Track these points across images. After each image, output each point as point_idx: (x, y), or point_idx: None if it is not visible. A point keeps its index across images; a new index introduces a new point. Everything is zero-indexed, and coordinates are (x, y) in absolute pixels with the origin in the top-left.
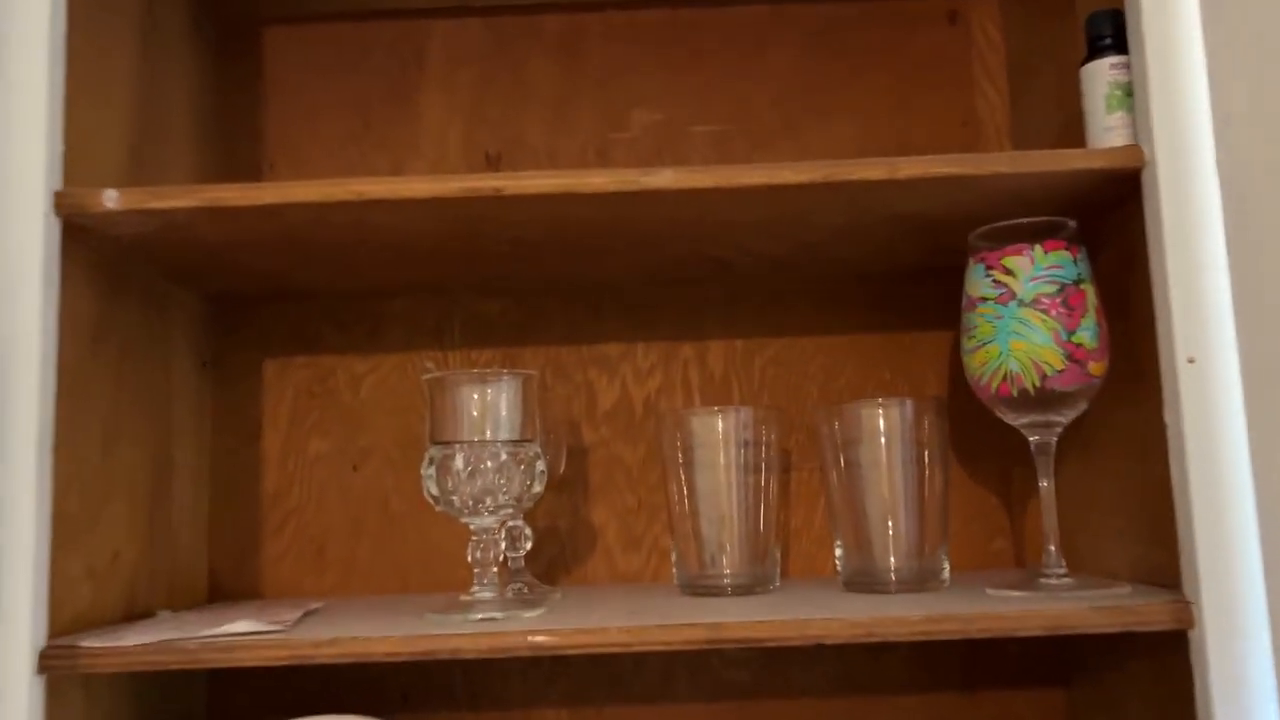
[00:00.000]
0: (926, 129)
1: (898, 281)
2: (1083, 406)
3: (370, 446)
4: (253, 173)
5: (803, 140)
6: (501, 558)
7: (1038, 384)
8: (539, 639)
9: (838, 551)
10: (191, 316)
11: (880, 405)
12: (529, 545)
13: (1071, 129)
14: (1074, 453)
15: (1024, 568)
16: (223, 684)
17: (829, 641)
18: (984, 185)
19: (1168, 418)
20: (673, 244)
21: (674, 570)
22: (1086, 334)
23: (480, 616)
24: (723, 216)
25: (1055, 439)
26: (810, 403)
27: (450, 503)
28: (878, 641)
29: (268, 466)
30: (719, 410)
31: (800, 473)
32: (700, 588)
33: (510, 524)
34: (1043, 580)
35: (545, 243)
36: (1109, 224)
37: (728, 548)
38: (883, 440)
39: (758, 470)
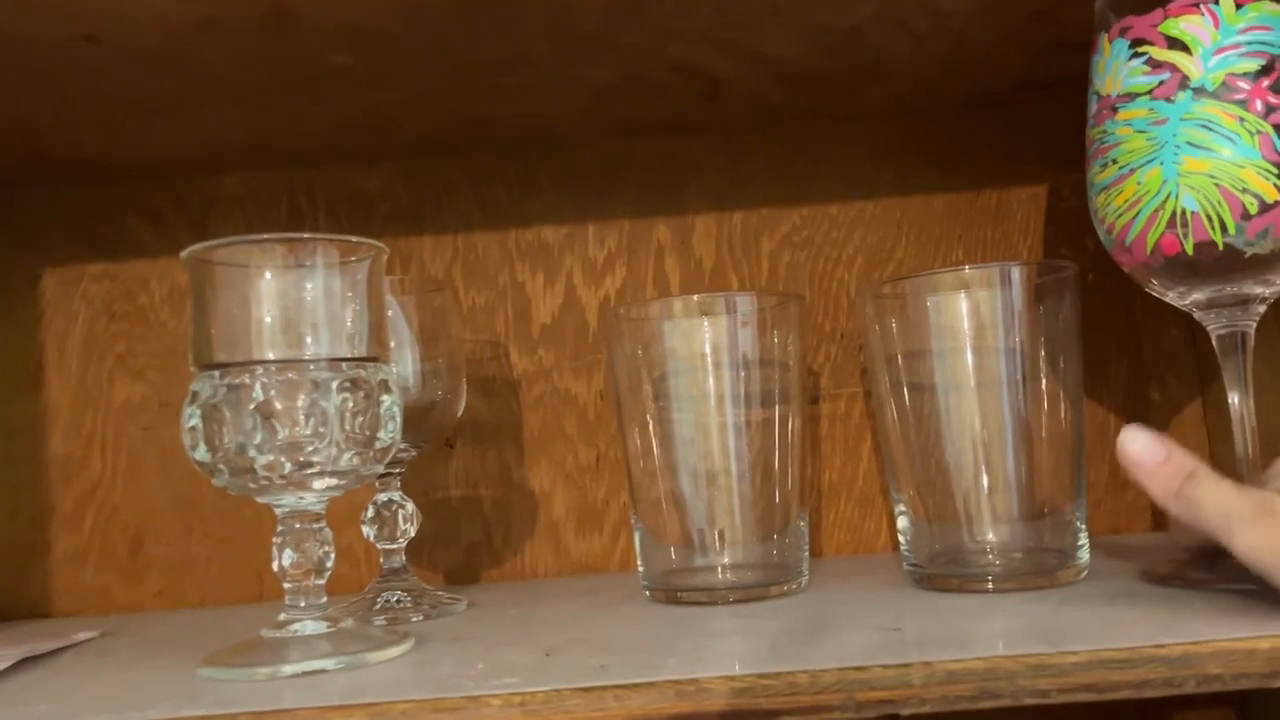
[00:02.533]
0: None
1: (975, 108)
2: None
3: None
4: None
5: None
6: (317, 569)
7: (1234, 231)
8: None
9: (901, 521)
10: None
11: (968, 274)
12: (412, 530)
13: None
14: (1265, 348)
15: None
16: None
17: (907, 710)
18: None
19: None
20: (620, 40)
21: (638, 561)
22: None
23: (293, 670)
24: None
25: (1253, 326)
26: (849, 299)
27: (236, 468)
28: (1008, 706)
29: (54, 424)
30: (703, 300)
31: (835, 403)
32: (680, 589)
33: (382, 497)
34: None
35: (410, 51)
36: None
37: (724, 521)
38: (969, 331)
39: (770, 400)
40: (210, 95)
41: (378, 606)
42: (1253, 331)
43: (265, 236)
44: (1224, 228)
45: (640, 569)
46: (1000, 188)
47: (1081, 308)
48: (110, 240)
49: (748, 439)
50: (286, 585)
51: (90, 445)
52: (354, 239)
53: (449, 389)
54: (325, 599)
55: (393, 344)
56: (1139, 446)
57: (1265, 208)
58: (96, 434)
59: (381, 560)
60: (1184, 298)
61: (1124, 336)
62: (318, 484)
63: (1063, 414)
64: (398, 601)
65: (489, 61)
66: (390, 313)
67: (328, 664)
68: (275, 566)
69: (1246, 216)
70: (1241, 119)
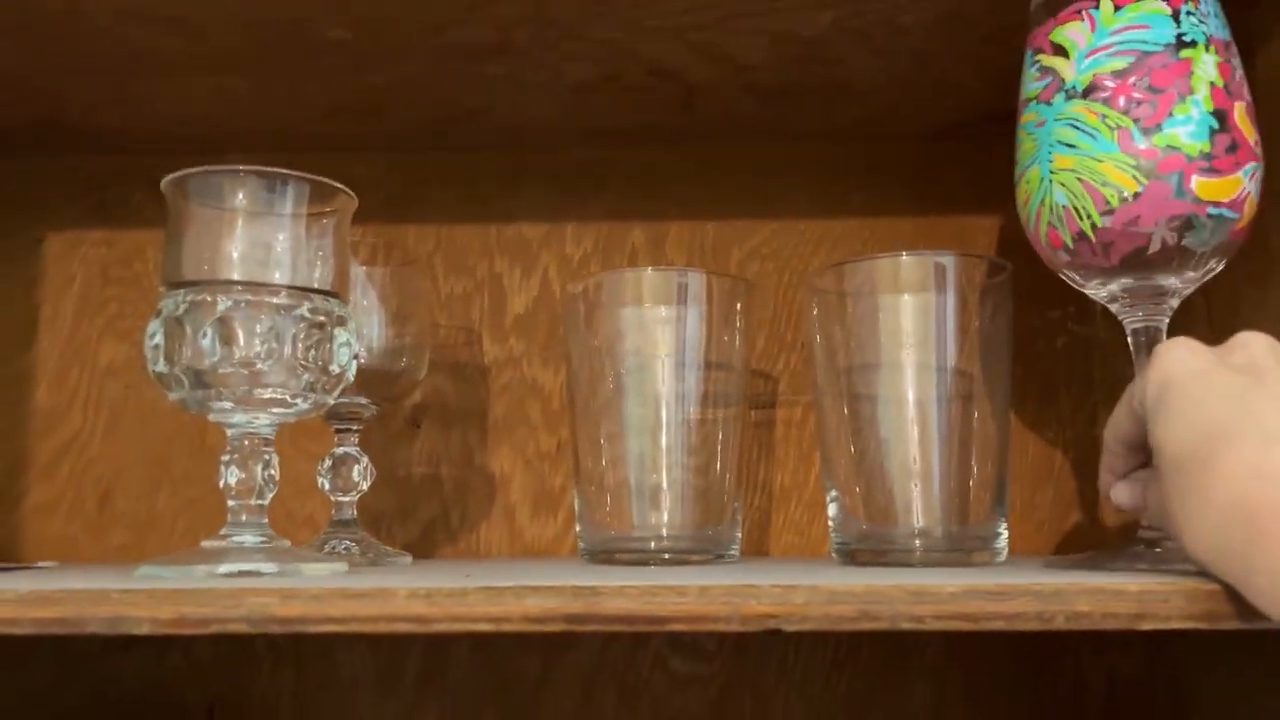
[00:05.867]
0: None
1: (945, 137)
2: (1208, 264)
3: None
4: None
5: None
6: (260, 491)
7: (1098, 222)
8: (285, 610)
9: (831, 508)
10: None
11: (907, 261)
12: (365, 484)
13: None
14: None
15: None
16: None
17: (789, 626)
18: None
19: None
20: (596, 33)
21: (578, 528)
22: (1185, 129)
23: (228, 569)
24: None
25: (1166, 321)
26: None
27: (196, 379)
28: (884, 630)
29: (40, 378)
30: (657, 274)
31: (791, 409)
32: (616, 553)
33: (339, 451)
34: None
35: (402, 29)
36: None
37: (665, 499)
38: (904, 324)
39: (714, 400)
40: (208, 61)
41: (325, 551)
42: (1165, 327)
43: (241, 168)
44: (1089, 220)
45: (579, 537)
46: (965, 215)
47: (1016, 314)
48: (115, 208)
49: (690, 412)
50: (230, 502)
51: (73, 400)
52: (325, 180)
53: (413, 359)
54: (266, 520)
55: (366, 311)
56: (1124, 498)
57: (1129, 198)
58: (80, 390)
59: (333, 512)
60: (1097, 290)
61: (1076, 367)
62: (269, 405)
63: (997, 409)
64: (345, 549)
65: (474, 46)
66: (371, 288)
67: (262, 567)
68: (221, 483)
69: (1108, 209)
70: (1104, 115)
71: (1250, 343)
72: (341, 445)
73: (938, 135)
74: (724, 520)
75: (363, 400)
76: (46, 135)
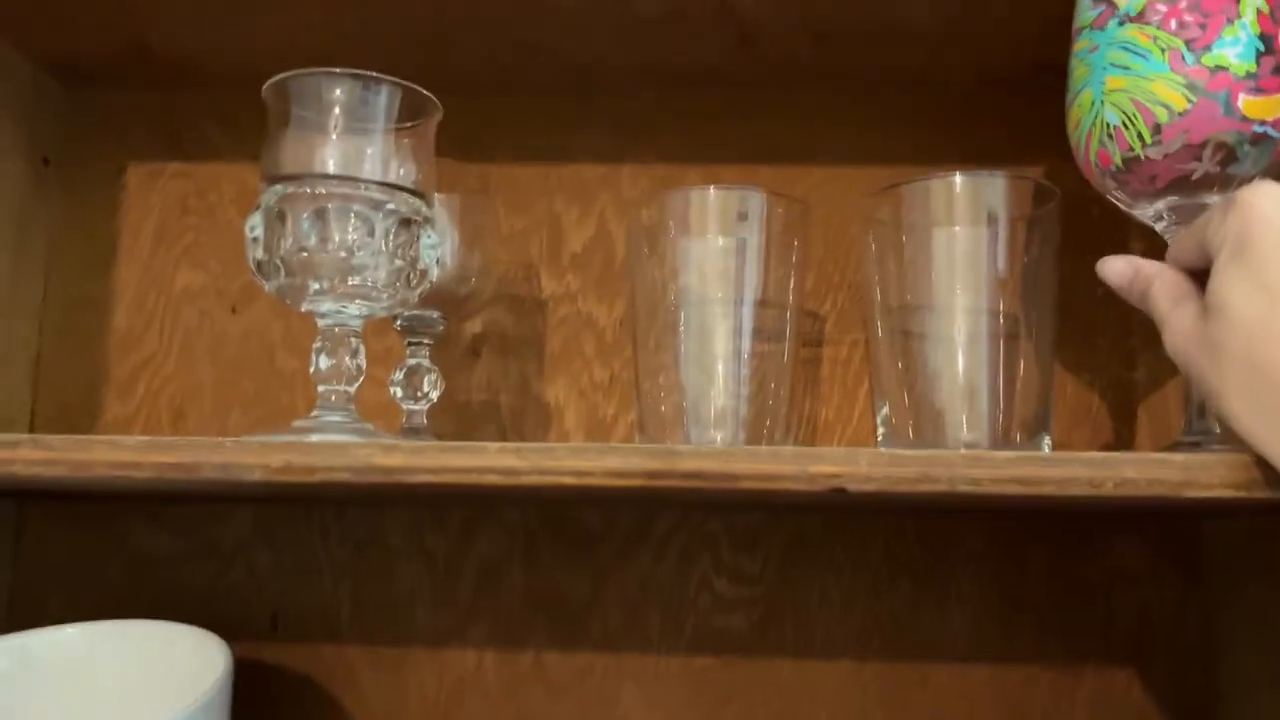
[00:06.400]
0: None
1: (994, 87)
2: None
3: (257, 283)
4: None
5: None
6: (348, 378)
7: (1148, 139)
8: (386, 460)
9: (882, 411)
10: (24, 91)
11: (960, 181)
12: (435, 394)
13: None
14: None
15: None
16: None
17: (853, 486)
18: None
19: None
20: None
21: (635, 436)
22: (1234, 50)
23: (320, 439)
24: None
25: None
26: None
27: (290, 267)
28: (942, 492)
29: (119, 302)
30: (719, 193)
31: (837, 347)
32: None
33: (411, 362)
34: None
35: None
36: None
37: (718, 420)
38: (956, 247)
39: (769, 335)
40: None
41: None
42: None
43: (338, 70)
44: (1141, 138)
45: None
46: (1014, 166)
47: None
48: (191, 143)
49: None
50: (320, 388)
51: (150, 323)
52: (415, 87)
53: (480, 281)
54: (353, 407)
55: (440, 230)
56: (1114, 271)
57: (1178, 115)
58: (157, 314)
59: (403, 420)
60: (1142, 211)
61: (1114, 313)
62: (358, 295)
63: (1044, 332)
64: None
65: None
66: (444, 211)
67: (348, 437)
68: (311, 370)
69: (1158, 126)
70: (1155, 37)
71: None
72: (414, 357)
73: (986, 85)
74: (777, 425)
75: (434, 314)
76: (128, 67)
